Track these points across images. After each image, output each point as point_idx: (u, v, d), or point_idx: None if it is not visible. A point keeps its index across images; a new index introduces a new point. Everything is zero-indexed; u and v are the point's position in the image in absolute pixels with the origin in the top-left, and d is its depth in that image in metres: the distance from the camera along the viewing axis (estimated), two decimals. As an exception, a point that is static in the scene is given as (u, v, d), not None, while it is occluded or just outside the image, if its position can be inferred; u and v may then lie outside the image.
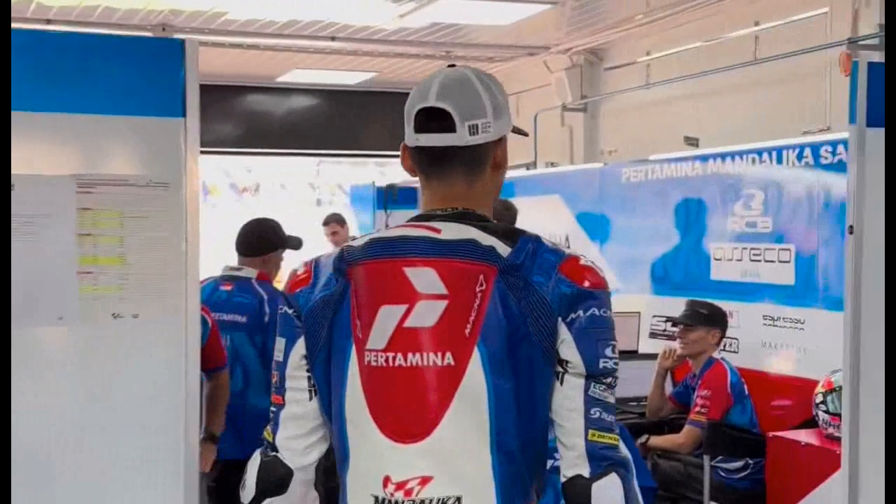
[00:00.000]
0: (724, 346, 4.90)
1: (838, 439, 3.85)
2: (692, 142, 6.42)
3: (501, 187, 1.72)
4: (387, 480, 1.54)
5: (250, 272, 3.84)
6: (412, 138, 1.63)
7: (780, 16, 6.05)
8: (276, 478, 1.67)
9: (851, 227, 2.52)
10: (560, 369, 1.55)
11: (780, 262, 4.96)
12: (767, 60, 6.17)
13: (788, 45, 6.01)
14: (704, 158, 5.52)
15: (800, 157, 4.87)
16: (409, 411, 1.54)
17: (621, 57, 7.81)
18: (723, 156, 5.32)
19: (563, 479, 1.56)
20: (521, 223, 7.44)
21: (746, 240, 5.15)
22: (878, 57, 5.44)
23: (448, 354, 1.52)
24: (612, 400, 1.57)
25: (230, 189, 12.14)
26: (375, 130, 10.27)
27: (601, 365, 1.55)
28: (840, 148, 4.61)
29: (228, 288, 3.79)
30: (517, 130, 1.74)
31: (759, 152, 5.13)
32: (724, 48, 6.59)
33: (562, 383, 1.55)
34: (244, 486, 1.70)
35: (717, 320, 4.73)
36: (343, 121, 10.23)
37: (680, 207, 5.67)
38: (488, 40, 7.89)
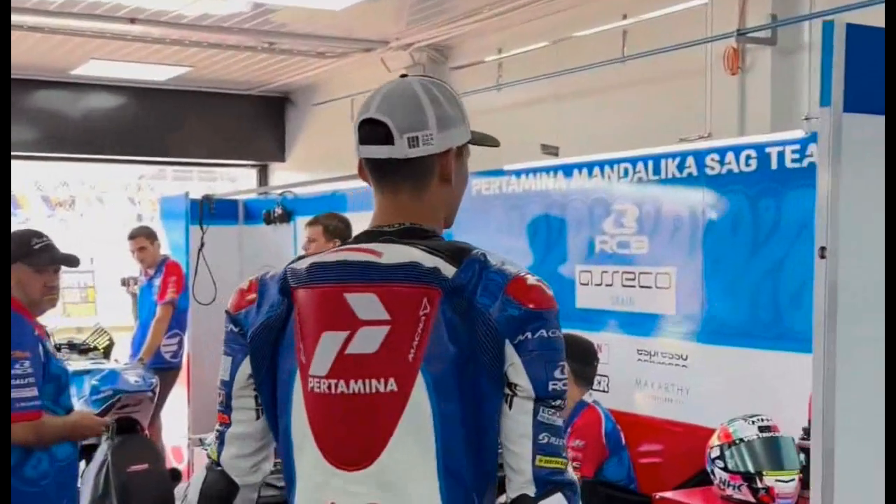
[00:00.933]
0: (595, 384, 4.37)
1: (739, 503, 3.47)
2: (551, 150, 5.89)
3: (457, 201, 1.76)
4: None
5: None
6: (357, 149, 1.70)
7: (652, 8, 5.64)
8: (220, 492, 1.73)
9: (823, 248, 1.94)
10: (508, 392, 1.59)
11: (659, 287, 4.47)
12: (637, 57, 5.75)
13: (662, 40, 5.61)
14: (568, 169, 5.03)
15: (681, 167, 4.39)
16: (352, 438, 1.59)
17: (469, 55, 7.42)
18: (589, 166, 4.85)
19: (507, 501, 1.61)
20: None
21: (618, 262, 4.64)
22: (770, 54, 5.07)
23: (391, 380, 1.57)
24: (559, 423, 1.61)
25: (42, 203, 11.43)
26: (189, 135, 9.59)
27: (551, 388, 1.59)
28: (730, 156, 4.15)
29: None
30: (481, 142, 1.77)
31: (633, 161, 4.61)
32: (586, 45, 6.18)
33: (510, 407, 1.59)
34: (185, 500, 1.75)
35: (584, 357, 4.16)
36: (151, 124, 9.46)
37: (539, 224, 5.20)
38: (317, 30, 7.29)
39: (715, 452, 3.61)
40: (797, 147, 3.85)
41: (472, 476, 1.60)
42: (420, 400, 1.56)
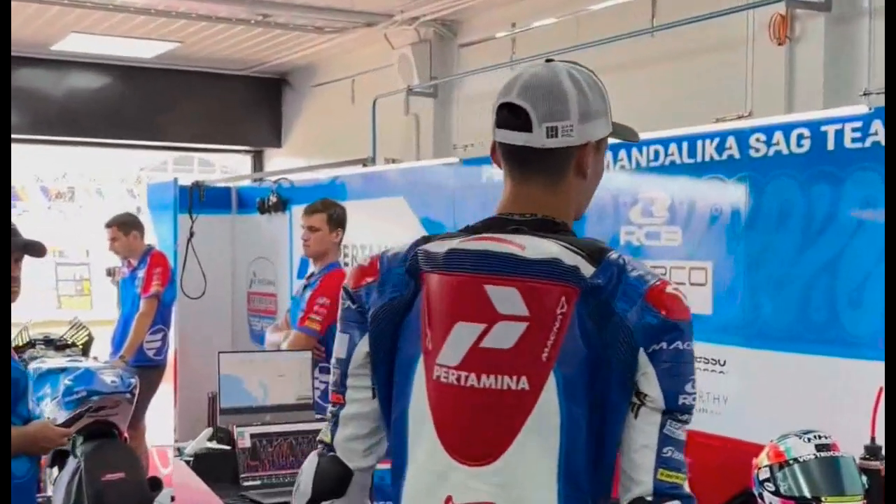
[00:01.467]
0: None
1: (794, 533, 3.10)
2: None
3: (590, 195, 1.76)
4: (448, 501, 1.61)
5: None
6: (494, 132, 1.70)
7: (685, -27, 5.30)
8: (335, 478, 1.75)
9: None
10: (636, 401, 1.59)
11: (693, 284, 4.11)
12: (668, 28, 5.35)
13: (696, 8, 5.22)
14: None
15: (720, 148, 4.02)
16: (477, 433, 1.60)
17: (479, 30, 7.10)
18: (613, 148, 4.46)
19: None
20: (353, 232, 6.66)
21: (647, 255, 4.26)
22: (824, 21, 4.67)
23: (523, 378, 1.58)
24: (684, 437, 1.62)
25: (41, 194, 11.49)
26: (180, 118, 9.28)
27: (681, 401, 1.59)
28: (777, 136, 3.77)
29: None
30: (621, 135, 1.77)
31: (665, 143, 4.23)
32: (609, 16, 5.83)
33: (636, 416, 1.59)
34: (298, 489, 1.79)
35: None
36: (138, 105, 9.12)
37: None
38: (315, 2, 6.97)
39: (764, 474, 3.24)
40: (859, 125, 3.47)
41: (590, 483, 1.61)
42: (549, 401, 1.57)
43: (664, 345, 1.57)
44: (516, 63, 6.60)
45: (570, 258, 1.59)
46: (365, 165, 7.34)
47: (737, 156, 3.93)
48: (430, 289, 1.65)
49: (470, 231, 1.70)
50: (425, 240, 1.74)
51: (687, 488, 1.62)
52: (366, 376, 1.73)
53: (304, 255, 5.14)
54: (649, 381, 1.57)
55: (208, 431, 4.21)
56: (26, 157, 9.87)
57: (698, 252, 4.09)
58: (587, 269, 1.57)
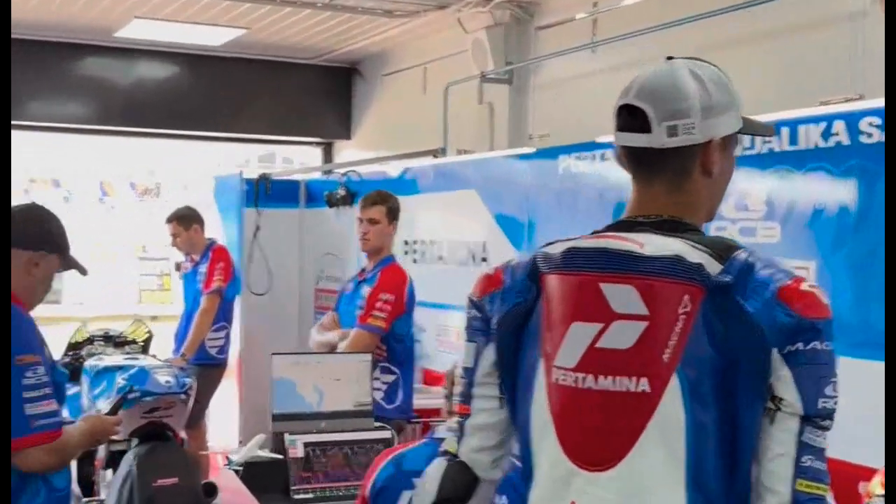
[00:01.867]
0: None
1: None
2: None
3: (720, 195, 1.76)
4: None
5: None
6: (615, 136, 1.73)
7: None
8: (462, 484, 1.77)
9: None
10: (772, 406, 1.55)
11: (793, 287, 3.72)
12: (762, 3, 5.01)
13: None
14: None
15: (826, 134, 3.73)
16: (596, 437, 1.59)
17: (558, 11, 6.86)
18: None
19: None
20: (422, 226, 6.45)
21: (741, 253, 3.92)
22: None
23: (643, 380, 1.55)
24: (825, 445, 1.57)
25: (130, 189, 11.88)
26: (247, 109, 9.20)
27: (820, 405, 1.55)
28: (894, 119, 3.40)
29: None
30: (752, 130, 1.80)
31: (762, 129, 3.88)
32: None
33: (772, 422, 1.55)
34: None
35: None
36: (204, 95, 9.05)
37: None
38: None
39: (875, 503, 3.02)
40: None
41: (722, 494, 1.57)
42: (672, 404, 1.55)
43: (800, 345, 1.52)
44: (597, 45, 6.42)
45: (694, 255, 1.56)
46: (435, 157, 7.20)
47: (845, 142, 3.64)
48: (548, 290, 1.67)
49: (594, 233, 1.71)
50: (548, 244, 1.76)
51: (831, 500, 1.55)
52: (492, 385, 1.75)
53: (362, 249, 5.00)
54: (786, 385, 1.53)
55: (260, 438, 4.04)
56: (115, 153, 10.01)
57: (799, 251, 3.81)
58: (713, 267, 1.54)
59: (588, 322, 1.60)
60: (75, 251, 3.11)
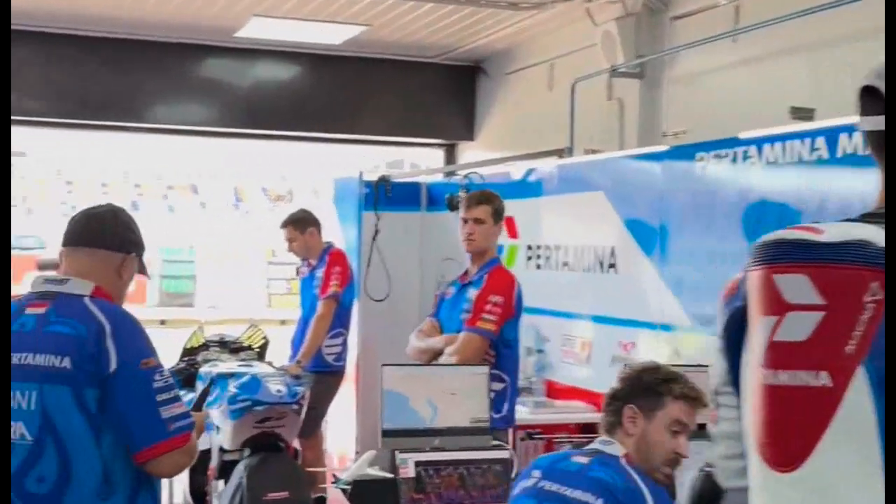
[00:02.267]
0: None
1: None
2: (803, 114, 5.22)
3: None
4: None
5: (80, 286, 2.78)
6: (859, 122, 1.67)
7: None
8: (705, 497, 1.83)
9: None
10: None
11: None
12: None
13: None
14: (831, 136, 4.11)
15: None
16: (779, 435, 1.55)
17: None
18: (852, 130, 3.96)
19: None
20: (546, 231, 6.18)
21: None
22: None
23: (823, 374, 1.49)
24: None
25: (263, 195, 12.09)
26: (368, 109, 9.15)
27: None
28: None
29: (40, 311, 2.76)
30: None
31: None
32: None
33: None
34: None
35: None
36: (326, 95, 9.03)
37: (778, 211, 4.38)
38: None
39: None
40: None
41: None
42: (859, 399, 1.47)
43: None
44: (739, 34, 6.14)
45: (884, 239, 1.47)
46: (561, 157, 7.00)
47: None
48: (748, 290, 1.64)
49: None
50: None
51: None
52: (730, 395, 1.74)
53: (467, 249, 4.82)
54: None
55: (370, 455, 3.84)
56: (246, 157, 10.16)
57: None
58: None
59: (766, 315, 1.56)
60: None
